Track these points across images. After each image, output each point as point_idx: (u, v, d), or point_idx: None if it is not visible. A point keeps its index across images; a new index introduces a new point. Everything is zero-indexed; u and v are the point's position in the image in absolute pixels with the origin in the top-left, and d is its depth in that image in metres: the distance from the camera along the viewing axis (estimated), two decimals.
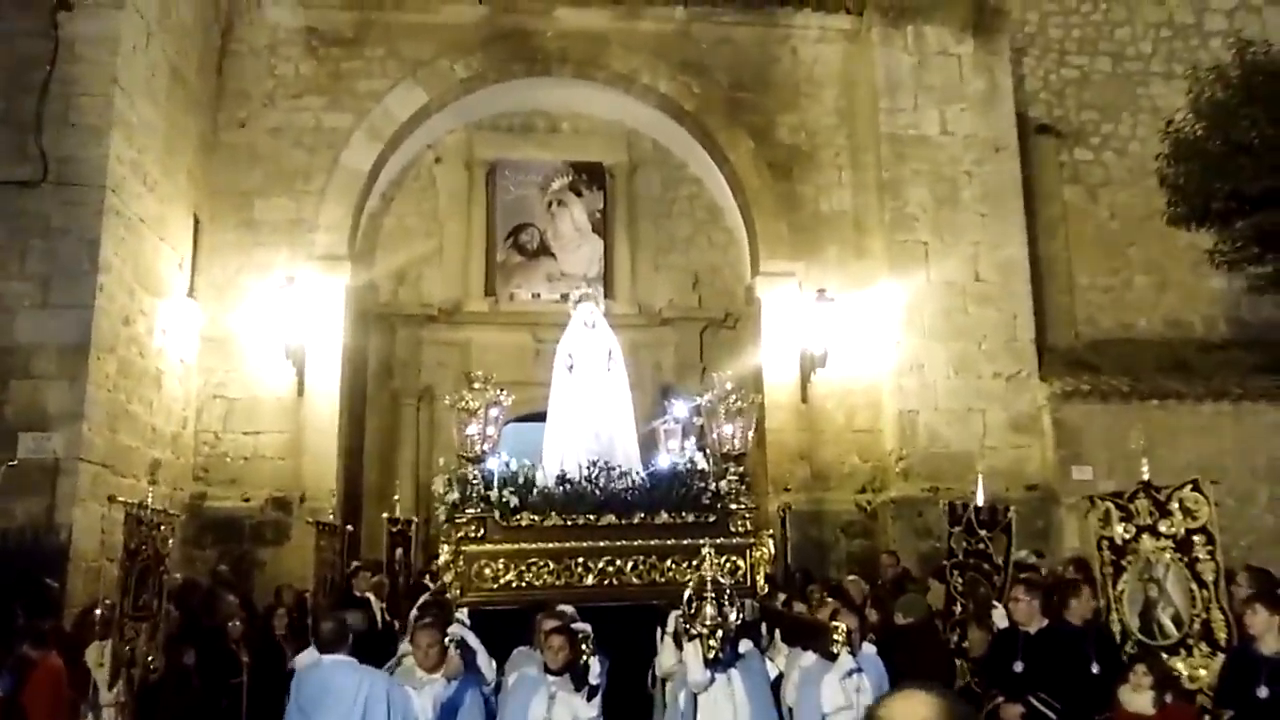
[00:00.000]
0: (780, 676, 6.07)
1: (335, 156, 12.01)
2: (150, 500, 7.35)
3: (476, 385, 6.78)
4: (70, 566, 8.52)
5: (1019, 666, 5.89)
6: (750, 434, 7.09)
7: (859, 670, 5.58)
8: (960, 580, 7.21)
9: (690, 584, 5.61)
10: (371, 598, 9.85)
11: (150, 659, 7.01)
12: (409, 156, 13.02)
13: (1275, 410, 11.56)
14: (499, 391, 6.78)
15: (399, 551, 10.02)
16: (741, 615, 5.65)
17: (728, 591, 5.53)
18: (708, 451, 7.16)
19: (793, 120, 12.81)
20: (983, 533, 6.93)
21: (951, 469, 11.01)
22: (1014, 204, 12.05)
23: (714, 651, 5.39)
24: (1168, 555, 5.62)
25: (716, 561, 5.85)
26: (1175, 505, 5.65)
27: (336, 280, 11.73)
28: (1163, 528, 5.67)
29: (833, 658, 5.52)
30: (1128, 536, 5.80)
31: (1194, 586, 5.47)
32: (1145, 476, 5.84)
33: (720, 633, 5.39)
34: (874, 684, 5.62)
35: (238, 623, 8.17)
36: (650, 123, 13.22)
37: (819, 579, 10.10)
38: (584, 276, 13.10)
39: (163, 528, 7.18)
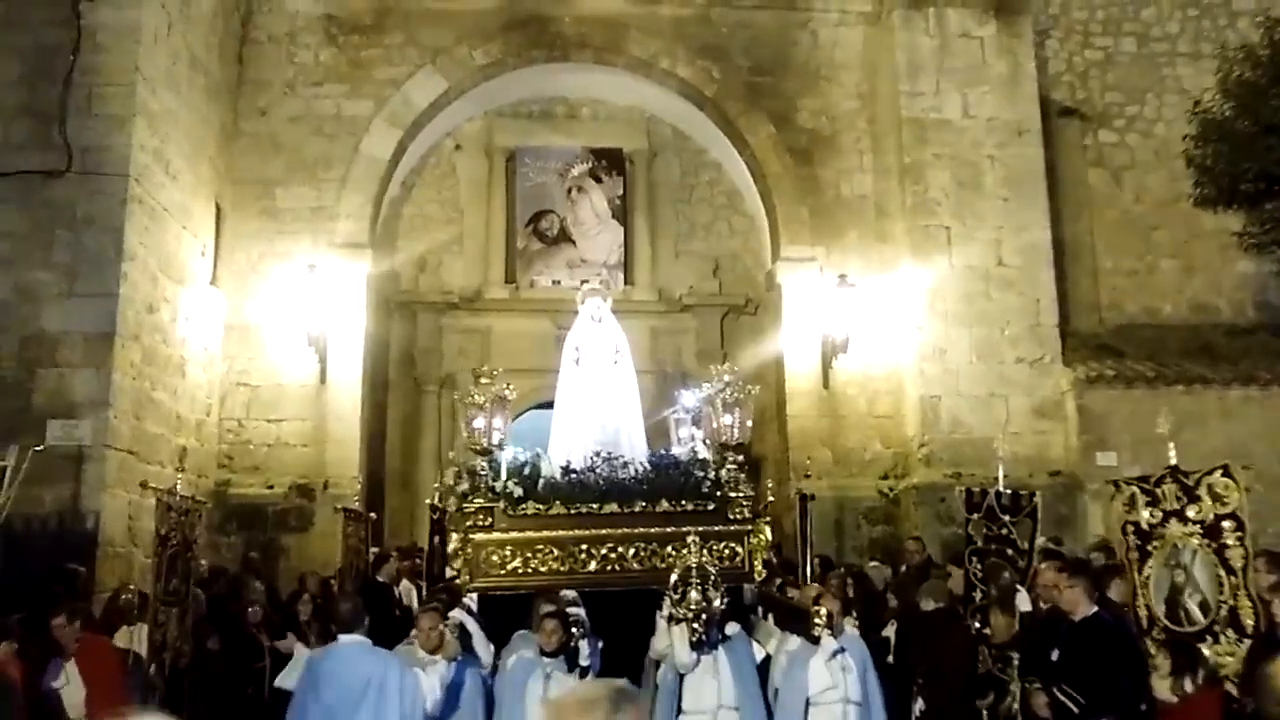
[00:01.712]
0: (769, 658, 6.24)
1: (356, 144, 12.03)
2: (179, 487, 7.43)
3: (483, 380, 6.94)
4: (98, 553, 8.61)
5: (1055, 655, 5.86)
6: (749, 424, 7.24)
7: (843, 650, 5.82)
8: (979, 567, 7.17)
9: (677, 570, 5.81)
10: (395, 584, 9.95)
11: (179, 643, 7.10)
12: (429, 144, 13.03)
13: None
14: (506, 386, 6.95)
15: (437, 538, 10.06)
16: (726, 600, 5.83)
17: (712, 577, 5.74)
18: (708, 441, 7.28)
19: (813, 104, 12.73)
20: (1006, 518, 6.88)
21: (974, 455, 10.94)
22: (1037, 188, 11.93)
23: (698, 635, 5.62)
24: (1195, 541, 5.57)
25: (714, 548, 6.22)
26: (1204, 490, 5.59)
27: (358, 268, 11.78)
28: (1190, 513, 5.61)
29: (815, 641, 5.77)
30: (1154, 522, 5.75)
31: (1222, 573, 5.42)
32: (1172, 461, 5.78)
33: (704, 617, 5.62)
34: (858, 664, 5.86)
35: (258, 609, 8.26)
36: (670, 108, 13.18)
37: (840, 565, 10.10)
38: (604, 263, 13.14)
39: (191, 514, 7.27)
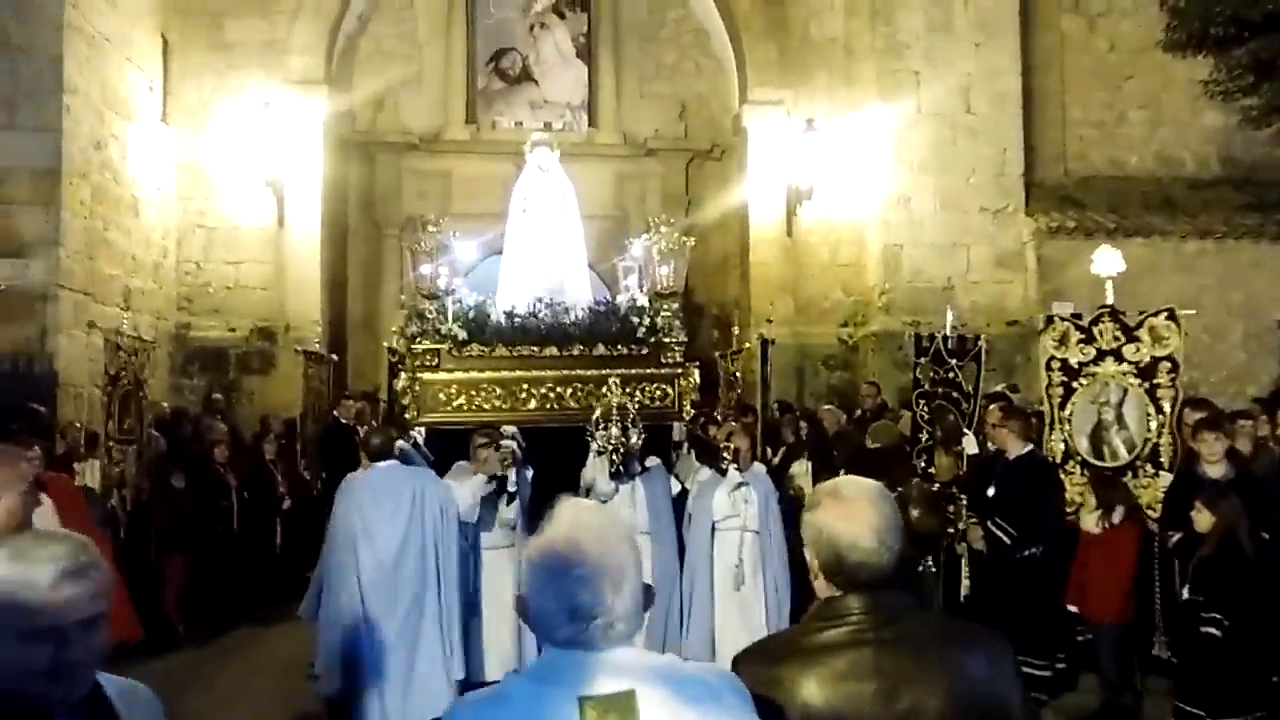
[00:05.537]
0: (686, 491, 6.75)
1: None
2: (125, 327, 7.40)
3: (430, 228, 7.17)
4: (59, 393, 8.64)
5: (991, 491, 6.10)
6: (684, 275, 7.54)
7: (745, 484, 6.33)
8: (926, 409, 7.36)
9: (600, 408, 6.24)
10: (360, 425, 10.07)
11: (138, 480, 7.22)
12: None
13: (1257, 248, 11.57)
14: (452, 233, 7.21)
15: (396, 381, 10.14)
16: (643, 437, 6.28)
17: (631, 416, 6.19)
18: (643, 288, 7.58)
19: None
20: (953, 362, 7.02)
21: (933, 303, 11.03)
22: (1009, 33, 11.65)
23: (615, 466, 6.14)
24: (1130, 380, 5.72)
25: (645, 389, 6.77)
26: (1145, 331, 5.71)
27: (314, 104, 11.45)
28: (1127, 353, 5.74)
29: (723, 473, 6.32)
30: (1085, 360, 5.88)
31: (1151, 410, 5.60)
32: (1109, 301, 5.88)
33: (622, 451, 6.11)
34: (761, 498, 6.36)
35: (225, 449, 8.39)
36: None
37: (797, 409, 10.32)
38: (567, 104, 12.84)
39: (140, 354, 7.27)
